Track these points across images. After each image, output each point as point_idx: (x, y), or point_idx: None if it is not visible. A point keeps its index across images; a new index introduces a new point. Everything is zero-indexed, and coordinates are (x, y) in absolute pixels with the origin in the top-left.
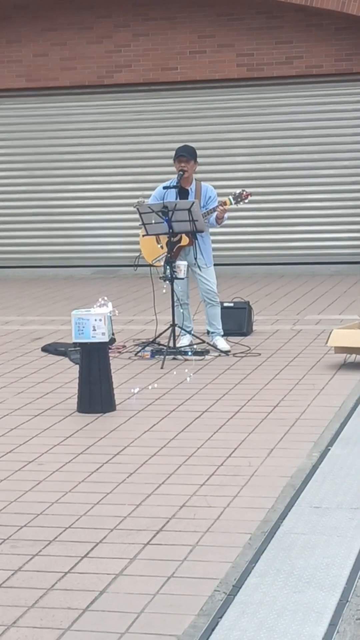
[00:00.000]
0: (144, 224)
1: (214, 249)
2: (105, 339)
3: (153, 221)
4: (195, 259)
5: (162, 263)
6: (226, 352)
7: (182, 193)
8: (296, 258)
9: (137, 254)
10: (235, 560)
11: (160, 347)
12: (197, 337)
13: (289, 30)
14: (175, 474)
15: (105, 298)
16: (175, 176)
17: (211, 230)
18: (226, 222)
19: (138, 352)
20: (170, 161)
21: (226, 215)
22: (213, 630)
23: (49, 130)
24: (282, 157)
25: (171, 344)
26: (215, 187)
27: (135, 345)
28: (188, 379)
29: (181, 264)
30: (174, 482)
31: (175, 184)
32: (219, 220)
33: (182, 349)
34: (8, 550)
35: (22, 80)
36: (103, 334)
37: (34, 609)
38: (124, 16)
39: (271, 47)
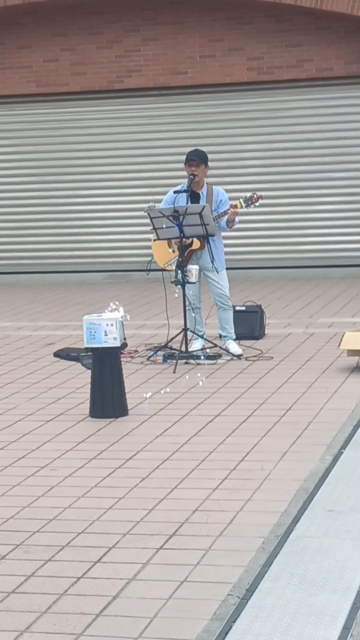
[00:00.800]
0: (155, 228)
1: (226, 253)
2: (117, 343)
3: (164, 226)
4: (212, 262)
5: (174, 267)
6: (238, 356)
7: (193, 197)
8: (308, 261)
9: (149, 259)
10: (248, 564)
11: (173, 351)
12: (210, 341)
13: (299, 33)
14: (187, 478)
15: (117, 303)
16: (186, 180)
17: (222, 234)
18: (238, 225)
19: (150, 356)
20: (181, 165)
21: (237, 218)
22: (226, 634)
23: (59, 136)
24: (293, 160)
25: (183, 348)
26: (227, 190)
27: (148, 349)
28: (200, 383)
29: (193, 268)
30: (187, 487)
31: (186, 188)
32: (229, 223)
33: (194, 353)
34: (21, 556)
35: (33, 86)
36: (115, 338)
37: (47, 614)
38: (133, 21)
39: (281, 50)
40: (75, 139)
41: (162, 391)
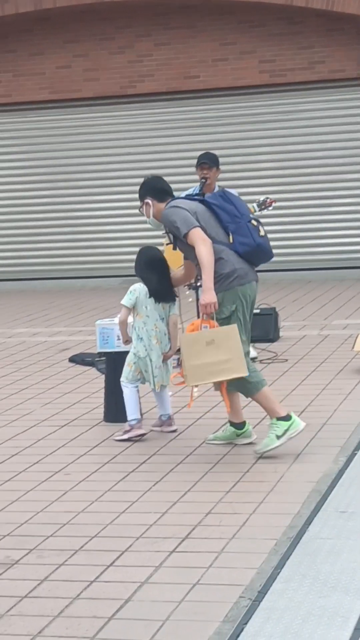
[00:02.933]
0: (167, 232)
1: None
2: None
3: None
4: None
5: None
6: (253, 359)
7: None
8: (323, 263)
9: None
10: (260, 567)
11: None
12: None
13: (310, 35)
14: (201, 481)
15: None
16: (198, 184)
17: None
18: None
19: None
20: (194, 169)
21: None
22: (238, 636)
23: (73, 142)
24: (306, 162)
25: None
26: (240, 194)
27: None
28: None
29: None
30: (200, 490)
31: (197, 192)
32: None
33: None
34: (34, 561)
35: (46, 92)
36: None
37: (59, 618)
38: (144, 26)
39: (293, 52)
40: (88, 145)
41: (175, 394)
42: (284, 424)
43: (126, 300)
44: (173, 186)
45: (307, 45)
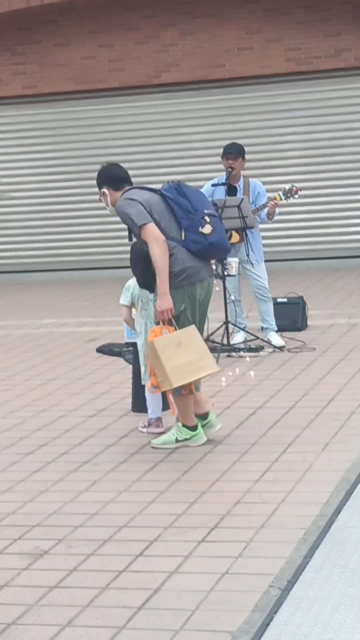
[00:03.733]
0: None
1: (267, 245)
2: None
3: None
4: (248, 255)
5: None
6: (281, 348)
7: (230, 190)
8: (350, 251)
9: None
10: (289, 556)
11: (214, 344)
12: (251, 334)
13: (336, 22)
14: (229, 470)
15: None
16: (224, 173)
17: (263, 226)
18: (278, 217)
19: None
20: (220, 159)
21: (277, 210)
22: (268, 625)
23: (99, 132)
24: (334, 150)
25: (225, 341)
26: (267, 183)
27: None
28: (242, 375)
29: (232, 261)
30: (229, 479)
31: (224, 181)
32: (269, 216)
33: (236, 345)
34: (63, 551)
35: (72, 83)
36: None
37: (89, 608)
38: (169, 15)
39: (319, 40)
40: (114, 135)
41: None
42: (189, 433)
43: (123, 299)
44: (200, 176)
45: (333, 32)
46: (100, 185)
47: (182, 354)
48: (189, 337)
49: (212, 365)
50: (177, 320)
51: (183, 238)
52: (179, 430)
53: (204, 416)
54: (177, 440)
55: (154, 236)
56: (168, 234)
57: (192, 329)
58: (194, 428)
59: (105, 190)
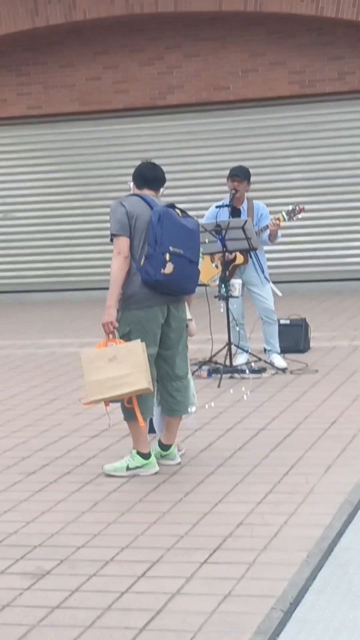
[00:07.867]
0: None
1: (269, 267)
2: None
3: (207, 240)
4: (260, 273)
5: (217, 283)
6: (283, 370)
7: (234, 212)
8: (353, 274)
9: None
10: (292, 578)
11: (217, 365)
12: (254, 355)
13: (340, 46)
14: (232, 492)
15: None
16: (228, 195)
17: (266, 248)
18: (281, 239)
19: (195, 371)
20: (224, 180)
21: (279, 232)
22: None
23: (103, 153)
24: (336, 172)
25: (228, 363)
26: (270, 205)
27: (192, 364)
28: (245, 397)
29: (236, 283)
30: (231, 501)
31: (228, 203)
32: (271, 237)
33: (239, 367)
34: (66, 571)
35: (76, 104)
36: None
37: (91, 629)
38: (174, 37)
39: (323, 63)
40: (118, 156)
41: (207, 405)
42: (141, 461)
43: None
44: (204, 197)
45: (337, 55)
46: (132, 178)
47: (111, 369)
48: (128, 352)
49: (142, 382)
50: (126, 340)
51: (142, 264)
52: (131, 457)
53: (166, 447)
54: (128, 468)
55: (118, 250)
56: (134, 255)
57: (135, 344)
58: (147, 456)
59: (131, 184)
